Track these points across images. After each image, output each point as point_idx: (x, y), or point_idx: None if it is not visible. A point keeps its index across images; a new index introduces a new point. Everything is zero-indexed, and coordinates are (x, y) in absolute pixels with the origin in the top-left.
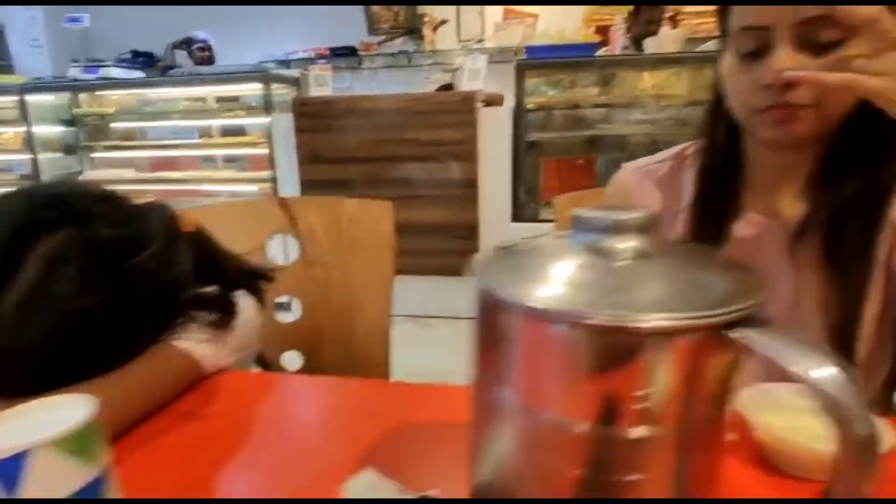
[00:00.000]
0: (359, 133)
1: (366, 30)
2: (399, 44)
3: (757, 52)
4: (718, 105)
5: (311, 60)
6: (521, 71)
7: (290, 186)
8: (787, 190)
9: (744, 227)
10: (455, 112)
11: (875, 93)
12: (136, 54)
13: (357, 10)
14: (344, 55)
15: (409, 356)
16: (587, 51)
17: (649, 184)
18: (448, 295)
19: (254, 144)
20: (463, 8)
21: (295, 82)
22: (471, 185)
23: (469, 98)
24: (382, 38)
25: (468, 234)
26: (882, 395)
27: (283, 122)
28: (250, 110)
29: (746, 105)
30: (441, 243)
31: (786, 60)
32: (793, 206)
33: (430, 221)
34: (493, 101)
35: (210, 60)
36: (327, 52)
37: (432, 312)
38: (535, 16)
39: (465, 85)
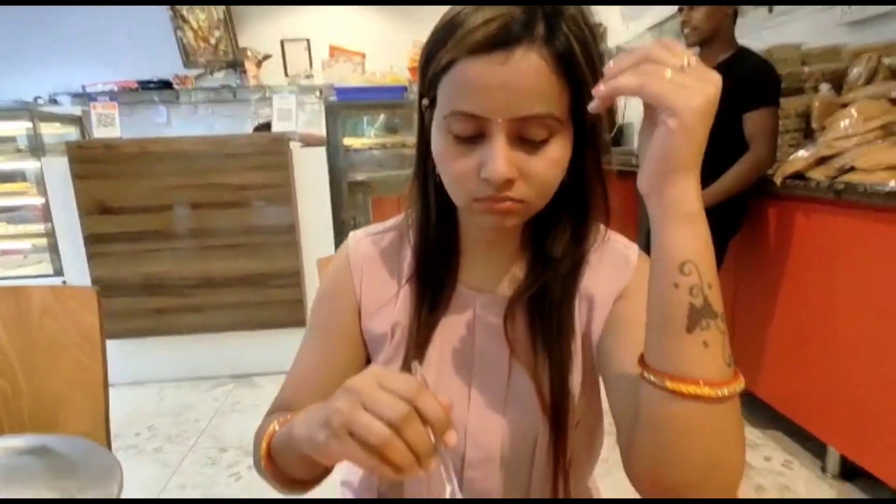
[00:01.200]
0: (156, 179)
1: (181, 62)
2: (221, 78)
3: (471, 138)
4: (425, 167)
5: (114, 94)
6: (332, 111)
7: (70, 242)
8: (497, 263)
9: (460, 302)
10: (266, 154)
11: (657, 95)
12: None
13: (170, 42)
14: (156, 89)
15: (233, 423)
16: (396, 94)
17: (374, 256)
18: (274, 350)
19: (23, 193)
20: (288, 43)
21: (77, 121)
22: (290, 230)
23: (280, 139)
24: (200, 71)
25: (291, 282)
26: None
27: (58, 168)
28: (18, 153)
29: (464, 192)
30: (262, 294)
31: (506, 158)
32: (502, 280)
33: (247, 272)
34: (313, 141)
35: None
36: (135, 86)
37: (258, 370)
38: (363, 55)
39: (276, 125)
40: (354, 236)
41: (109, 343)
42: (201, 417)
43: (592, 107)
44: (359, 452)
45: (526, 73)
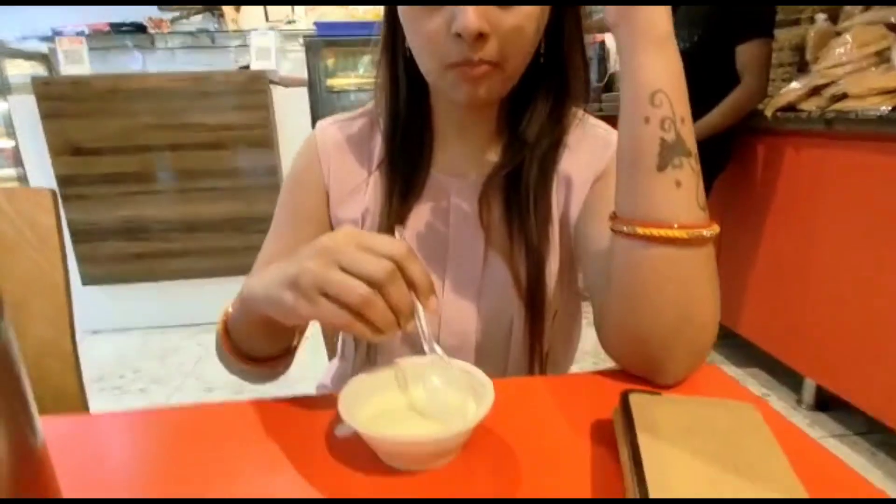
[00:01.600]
0: (130, 118)
1: (155, 6)
2: (198, 22)
3: None
4: (394, 47)
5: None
6: (312, 49)
7: (43, 184)
8: (472, 148)
9: (433, 189)
10: (245, 92)
11: None
12: None
13: None
14: (129, 32)
15: (219, 367)
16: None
17: (341, 142)
18: None
19: None
20: None
21: (44, 59)
22: (271, 172)
23: (258, 77)
24: (175, 14)
25: None
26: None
27: (26, 107)
28: None
29: (435, 57)
30: (244, 239)
31: (476, 9)
32: (477, 165)
33: (228, 216)
34: (293, 82)
35: None
36: (107, 28)
37: None
38: None
39: (255, 64)
40: (322, 123)
41: (92, 289)
42: (186, 361)
43: None
44: (333, 311)
45: None
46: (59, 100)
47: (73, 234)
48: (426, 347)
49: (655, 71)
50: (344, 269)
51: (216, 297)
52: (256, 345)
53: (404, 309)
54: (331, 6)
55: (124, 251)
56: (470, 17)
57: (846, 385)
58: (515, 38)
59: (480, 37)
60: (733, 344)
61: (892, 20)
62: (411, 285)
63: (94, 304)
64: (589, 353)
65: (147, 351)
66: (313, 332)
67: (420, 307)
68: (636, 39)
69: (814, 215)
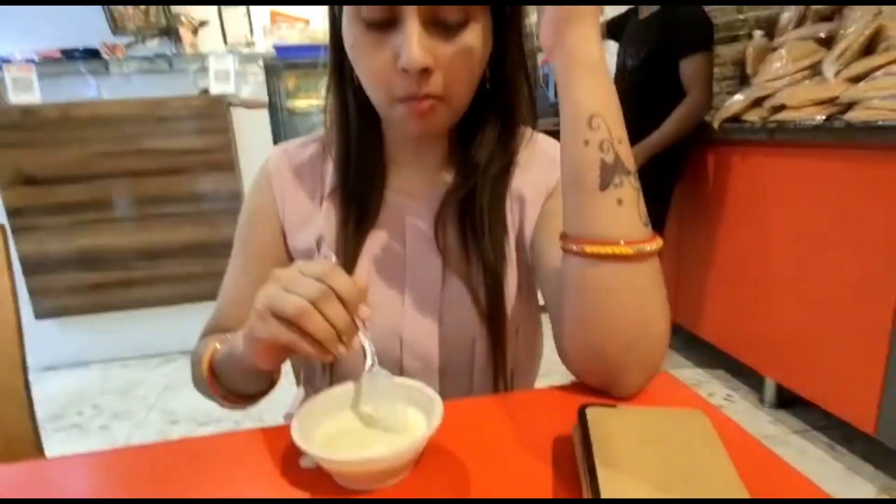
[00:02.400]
0: (83, 146)
1: (109, 30)
2: (154, 46)
3: (384, 23)
4: (342, 73)
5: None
6: (272, 72)
7: None
8: (425, 171)
9: (389, 212)
10: (204, 116)
11: None
12: None
13: (94, 8)
14: (82, 58)
15: (184, 398)
16: None
17: (293, 169)
18: None
19: None
20: (226, 9)
21: None
22: (233, 196)
23: (217, 101)
24: (131, 39)
25: None
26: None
27: None
28: None
29: (381, 90)
30: (207, 264)
31: (421, 44)
32: (431, 187)
33: (189, 242)
34: (255, 105)
35: None
36: (58, 55)
37: None
38: (306, 21)
39: (214, 88)
40: (273, 151)
41: (45, 323)
42: (149, 393)
43: None
44: (280, 329)
45: None
46: (7, 129)
47: (25, 267)
48: (367, 362)
49: (591, 96)
50: (287, 290)
51: (178, 325)
52: (242, 386)
53: (340, 323)
54: (290, 38)
55: (80, 282)
56: (414, 53)
57: (804, 383)
58: (459, 71)
59: (425, 71)
60: (696, 347)
61: (822, 35)
62: (339, 299)
63: (48, 338)
64: (556, 363)
65: (107, 385)
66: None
67: (360, 323)
68: (570, 66)
69: (764, 219)
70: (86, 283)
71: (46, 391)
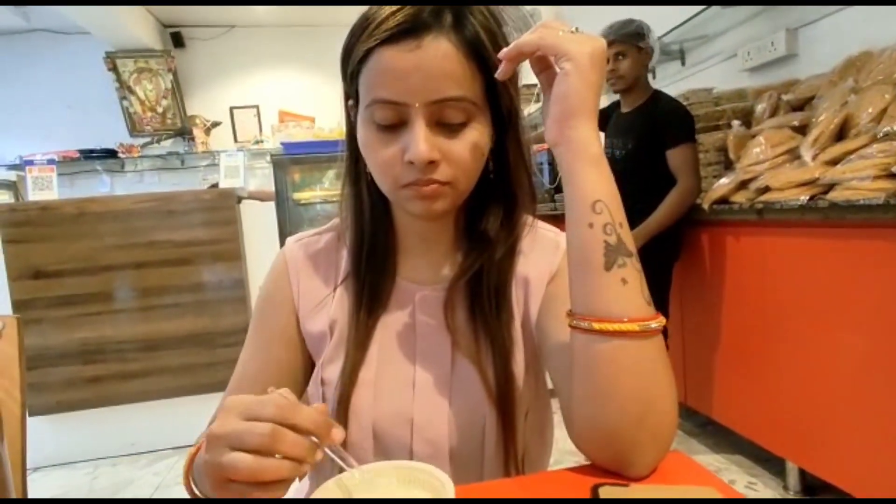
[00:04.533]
0: (95, 239)
1: (126, 131)
2: (168, 146)
3: (393, 126)
4: (356, 168)
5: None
6: (280, 166)
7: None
8: (434, 256)
9: (399, 297)
10: (213, 209)
11: (553, 45)
12: None
13: (114, 112)
14: (99, 158)
15: (179, 496)
16: (337, 147)
17: (309, 258)
18: None
19: None
20: (237, 111)
21: (11, 187)
22: (238, 285)
23: (227, 194)
24: (147, 140)
25: (240, 339)
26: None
27: None
28: None
29: (391, 179)
30: (209, 355)
31: (427, 140)
32: (440, 271)
33: (193, 331)
34: (262, 197)
35: None
36: (76, 156)
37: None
38: (312, 119)
39: (224, 182)
40: (290, 242)
41: (37, 420)
42: (141, 495)
43: (500, 73)
44: (246, 488)
45: (437, 57)
46: (23, 225)
47: (26, 361)
48: (346, 466)
49: (593, 184)
50: (233, 449)
51: (172, 420)
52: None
53: (300, 454)
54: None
55: (77, 375)
56: (421, 148)
57: (827, 466)
58: (462, 161)
59: (431, 163)
60: (713, 432)
61: (796, 123)
62: (306, 433)
63: (36, 437)
64: (570, 453)
65: (96, 487)
66: None
67: (337, 448)
68: (573, 158)
69: (762, 296)
70: (82, 377)
71: (30, 494)
